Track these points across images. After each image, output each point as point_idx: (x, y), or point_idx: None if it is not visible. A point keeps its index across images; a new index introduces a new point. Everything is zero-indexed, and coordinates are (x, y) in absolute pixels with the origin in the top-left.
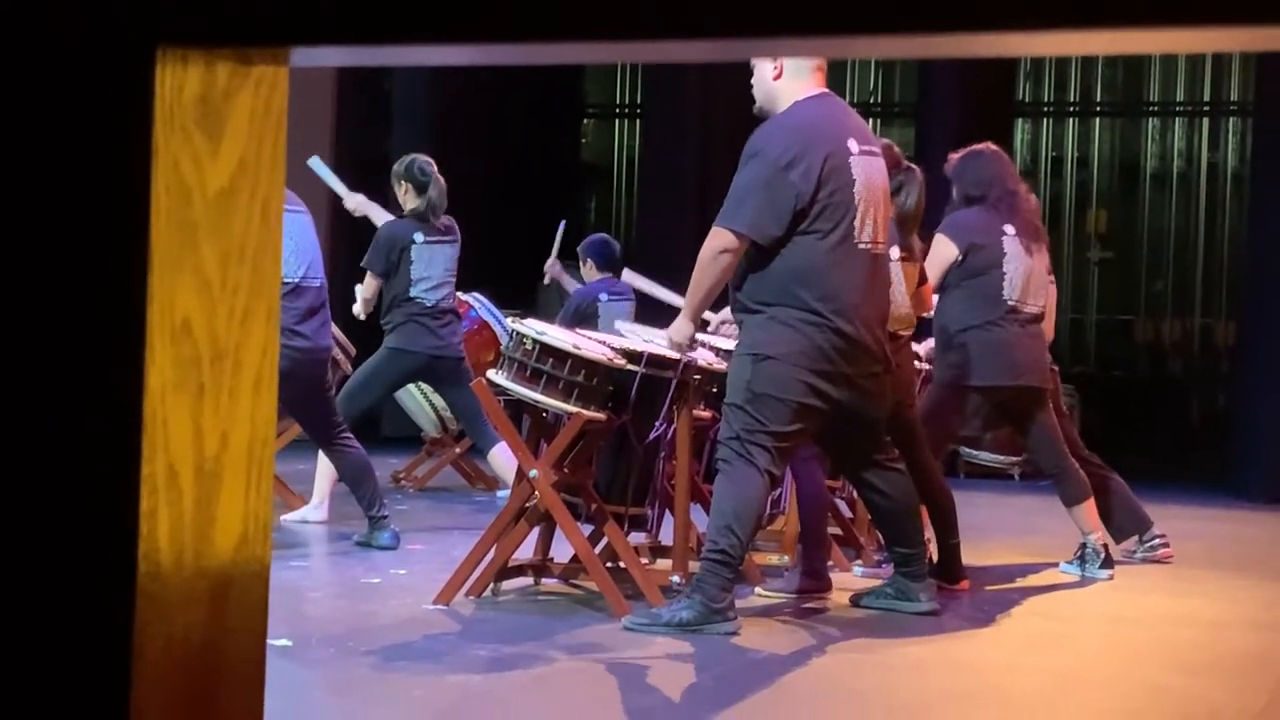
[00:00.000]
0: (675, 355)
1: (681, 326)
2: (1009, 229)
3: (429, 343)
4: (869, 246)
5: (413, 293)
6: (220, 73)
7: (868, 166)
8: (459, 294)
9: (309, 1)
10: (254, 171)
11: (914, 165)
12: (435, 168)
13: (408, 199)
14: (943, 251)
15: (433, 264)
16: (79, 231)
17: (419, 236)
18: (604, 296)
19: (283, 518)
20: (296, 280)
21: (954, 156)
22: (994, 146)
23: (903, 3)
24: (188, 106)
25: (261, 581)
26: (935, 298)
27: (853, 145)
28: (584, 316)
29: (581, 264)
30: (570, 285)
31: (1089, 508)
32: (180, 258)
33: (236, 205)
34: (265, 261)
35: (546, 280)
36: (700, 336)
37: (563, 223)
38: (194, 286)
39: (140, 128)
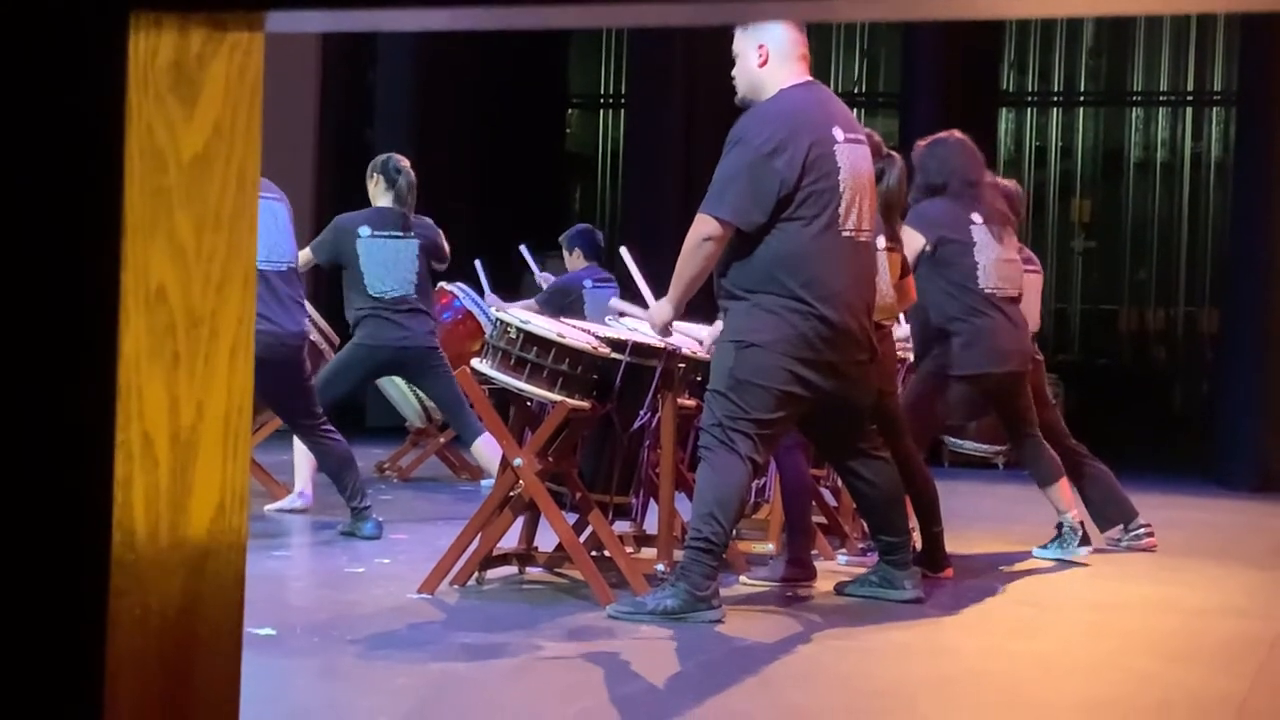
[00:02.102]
0: (660, 344)
1: (663, 309)
2: (975, 217)
3: (393, 335)
4: (854, 234)
5: (367, 286)
6: (194, 38)
7: (853, 154)
8: (443, 284)
9: None
10: (229, 138)
11: (894, 152)
12: (408, 164)
13: (377, 192)
14: (911, 243)
15: (384, 259)
16: (52, 198)
17: (365, 230)
18: (588, 284)
19: (266, 508)
20: (258, 266)
21: (920, 144)
22: (959, 135)
23: None
24: (161, 71)
25: (238, 552)
26: None
27: (838, 133)
28: (567, 304)
29: (567, 253)
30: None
31: (1063, 486)
32: (154, 224)
33: (212, 172)
34: (241, 228)
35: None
36: (679, 324)
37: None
38: (169, 253)
39: (114, 93)
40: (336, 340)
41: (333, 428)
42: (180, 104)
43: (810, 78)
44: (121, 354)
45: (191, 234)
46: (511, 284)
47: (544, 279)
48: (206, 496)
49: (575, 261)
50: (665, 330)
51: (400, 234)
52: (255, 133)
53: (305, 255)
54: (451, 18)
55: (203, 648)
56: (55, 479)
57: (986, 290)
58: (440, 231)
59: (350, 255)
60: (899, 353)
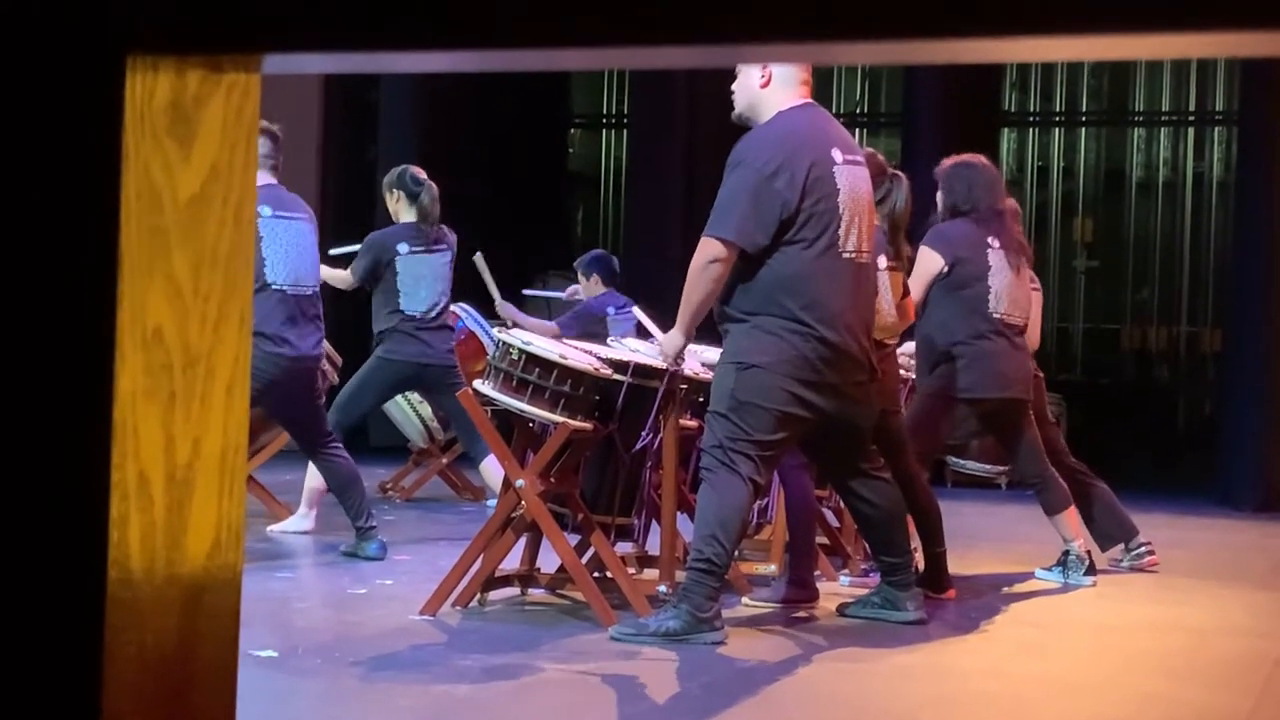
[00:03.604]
0: (661, 365)
1: (674, 338)
2: (993, 241)
3: (416, 350)
4: (854, 255)
5: (400, 303)
6: (191, 79)
7: (852, 176)
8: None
9: (280, 8)
10: (226, 177)
11: (899, 172)
12: (425, 174)
13: (399, 208)
14: (927, 263)
15: (419, 274)
16: (49, 238)
17: (403, 248)
18: (611, 310)
19: (269, 528)
20: (284, 287)
21: (947, 162)
22: (985, 160)
23: (886, 8)
24: (158, 113)
25: (233, 588)
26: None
27: (837, 155)
28: (592, 330)
29: (584, 278)
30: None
31: (1071, 515)
32: (151, 264)
33: (209, 211)
34: (238, 267)
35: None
36: (692, 346)
37: (478, 256)
38: (165, 293)
39: (110, 134)
40: (341, 362)
41: (341, 447)
42: (177, 145)
43: (810, 100)
44: (118, 393)
45: (188, 273)
46: (513, 305)
47: (502, 308)
48: (202, 533)
49: (593, 287)
50: (678, 359)
51: (433, 248)
52: (252, 172)
53: (347, 278)
54: (451, 60)
55: (199, 682)
56: (52, 516)
57: (996, 315)
58: (455, 240)
59: (387, 272)
60: (901, 372)
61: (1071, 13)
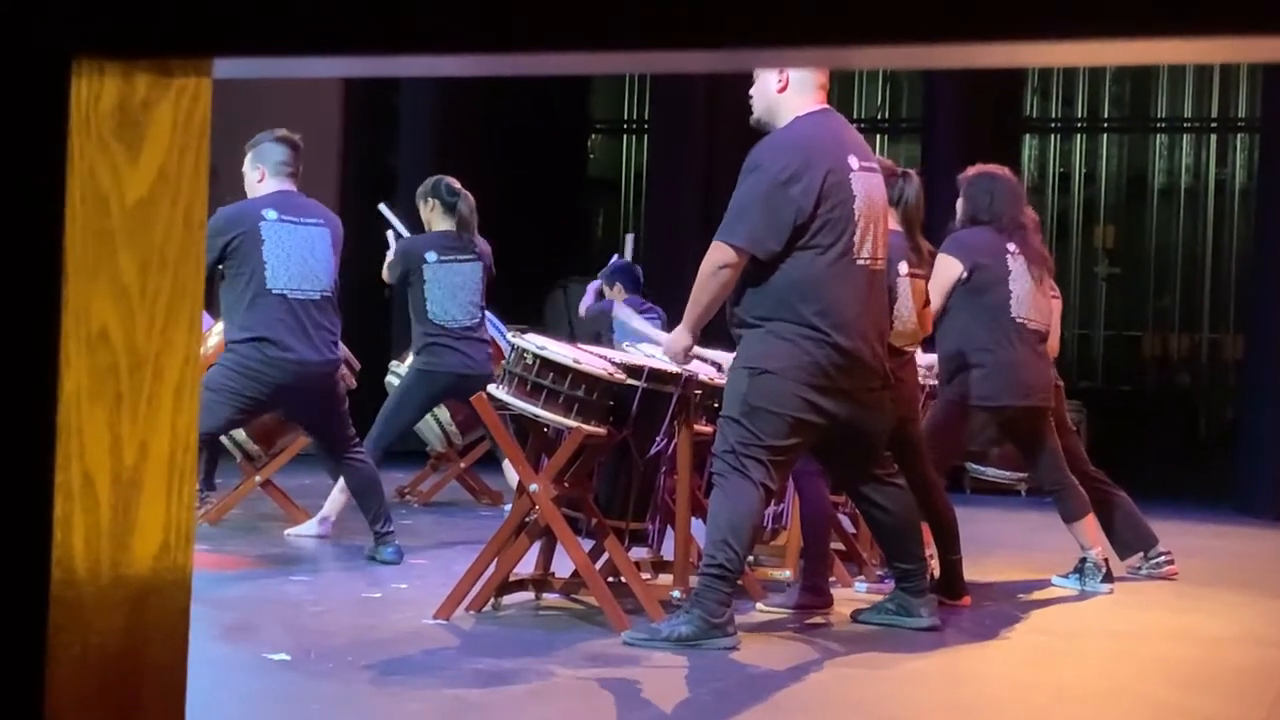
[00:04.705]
0: (676, 370)
1: (679, 337)
2: (1013, 247)
3: (456, 361)
4: (868, 262)
5: (429, 311)
6: (139, 83)
7: (867, 183)
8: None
9: (229, 12)
10: (175, 181)
11: (909, 170)
12: (459, 185)
13: (434, 217)
14: (948, 270)
15: (449, 283)
16: None
17: (431, 255)
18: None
19: (286, 532)
20: (285, 292)
21: (970, 171)
22: (1009, 173)
23: (907, 13)
24: (105, 116)
25: (182, 590)
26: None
27: (853, 161)
28: (601, 336)
29: (608, 288)
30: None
31: (1089, 523)
32: (96, 266)
33: (157, 214)
34: (187, 269)
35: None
36: (698, 350)
37: (629, 236)
38: (111, 295)
39: (55, 138)
40: (359, 366)
41: (363, 451)
42: (124, 148)
43: (827, 105)
44: (62, 394)
45: (135, 276)
46: (533, 310)
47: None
48: (150, 535)
49: (617, 295)
50: (684, 358)
51: (465, 257)
52: (202, 175)
53: (386, 275)
54: (403, 65)
55: (146, 683)
56: None
57: (1018, 320)
58: (490, 250)
59: (415, 280)
60: (920, 379)
61: (1086, 17)
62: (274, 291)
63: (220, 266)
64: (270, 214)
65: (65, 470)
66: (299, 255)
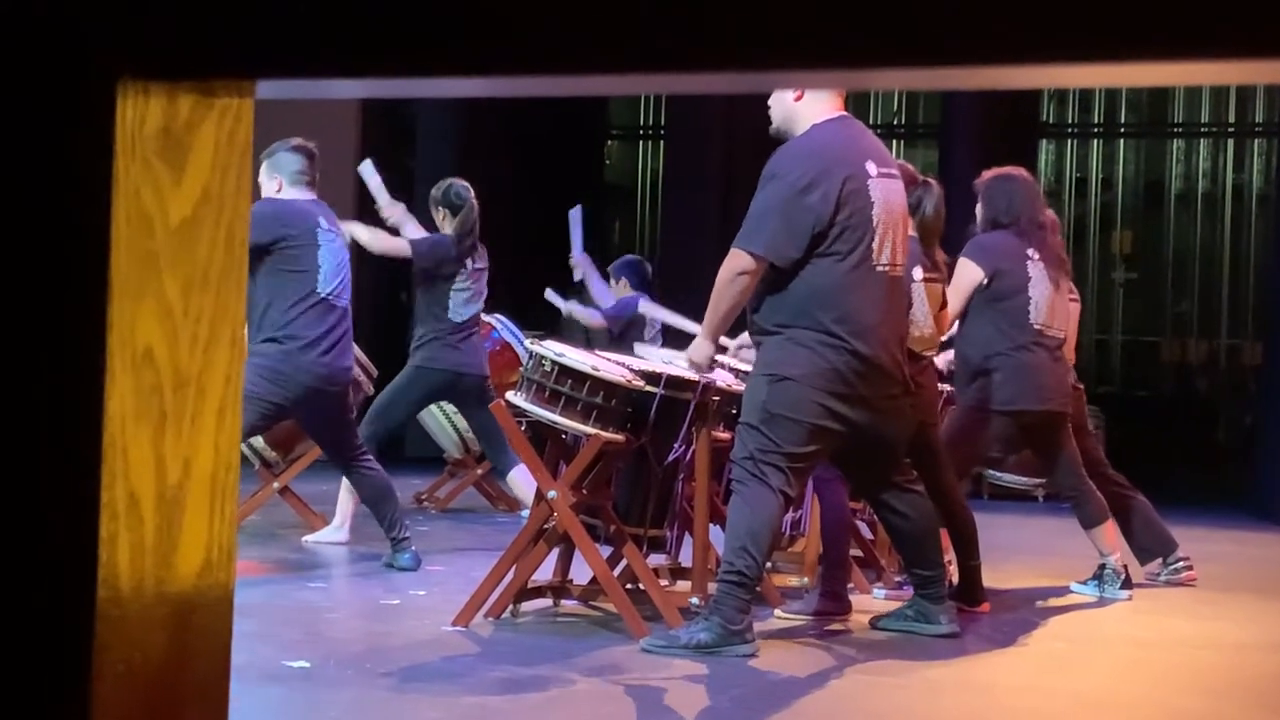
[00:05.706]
0: (694, 377)
1: (701, 347)
2: (1033, 253)
3: (452, 359)
4: (887, 269)
5: (451, 311)
6: (183, 105)
7: (886, 189)
8: (482, 315)
9: (273, 34)
10: (218, 201)
11: (930, 179)
12: (472, 192)
13: (445, 223)
14: (968, 274)
15: (459, 286)
16: (38, 261)
17: (469, 261)
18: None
19: (304, 539)
20: (330, 298)
21: (987, 175)
22: (1026, 173)
23: (920, 36)
24: (149, 138)
25: (225, 607)
26: (957, 323)
27: (871, 168)
28: (633, 323)
29: (614, 282)
30: (597, 285)
31: (1108, 529)
32: (141, 286)
33: (200, 234)
34: (229, 289)
35: (577, 276)
36: (719, 358)
37: (577, 209)
38: (155, 315)
39: (100, 159)
40: (376, 373)
41: (371, 459)
42: (168, 169)
43: (844, 112)
44: (108, 414)
45: (179, 295)
46: (550, 316)
47: (586, 263)
48: (193, 553)
49: (622, 290)
50: (706, 367)
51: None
52: (245, 195)
53: (404, 247)
54: (442, 86)
55: (188, 701)
56: (40, 536)
57: (1037, 326)
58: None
59: (446, 277)
60: (939, 385)
61: (1103, 41)
62: (324, 296)
63: (265, 259)
64: (323, 222)
65: (111, 489)
66: (340, 264)
